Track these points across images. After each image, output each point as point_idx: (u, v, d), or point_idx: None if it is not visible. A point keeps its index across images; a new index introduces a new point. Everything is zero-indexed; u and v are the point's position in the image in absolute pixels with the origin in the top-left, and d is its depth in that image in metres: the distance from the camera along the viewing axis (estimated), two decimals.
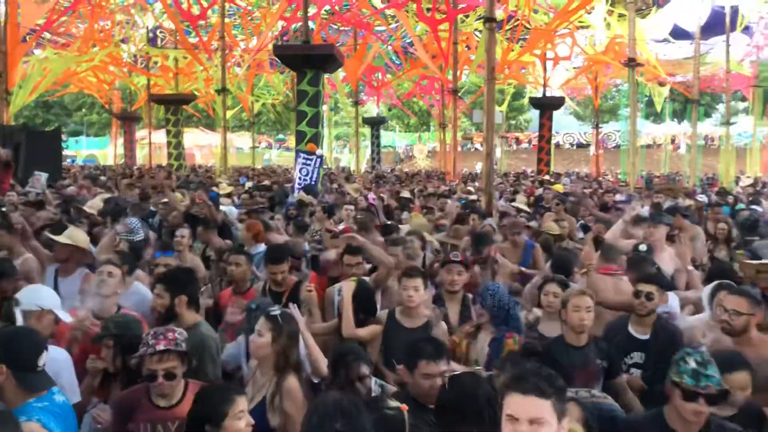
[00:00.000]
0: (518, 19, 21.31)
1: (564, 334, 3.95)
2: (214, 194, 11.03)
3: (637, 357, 4.07)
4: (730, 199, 13.12)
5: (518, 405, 2.08)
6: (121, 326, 3.59)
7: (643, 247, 5.31)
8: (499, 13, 18.92)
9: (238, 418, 2.66)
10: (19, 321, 3.48)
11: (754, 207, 10.28)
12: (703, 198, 10.49)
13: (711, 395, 2.75)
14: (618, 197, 12.28)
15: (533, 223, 8.27)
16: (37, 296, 3.62)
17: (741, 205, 11.23)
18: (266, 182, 16.88)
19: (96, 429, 3.28)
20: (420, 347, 3.21)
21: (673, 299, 4.95)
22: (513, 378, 2.22)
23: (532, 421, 2.05)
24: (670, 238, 6.51)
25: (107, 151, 53.34)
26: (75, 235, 5.26)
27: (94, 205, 8.76)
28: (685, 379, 2.77)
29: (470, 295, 4.88)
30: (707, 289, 4.58)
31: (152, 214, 9.22)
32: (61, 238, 5.16)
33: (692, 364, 2.79)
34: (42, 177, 10.81)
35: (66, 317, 3.60)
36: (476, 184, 16.40)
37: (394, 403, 2.66)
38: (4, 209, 7.65)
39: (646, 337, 4.10)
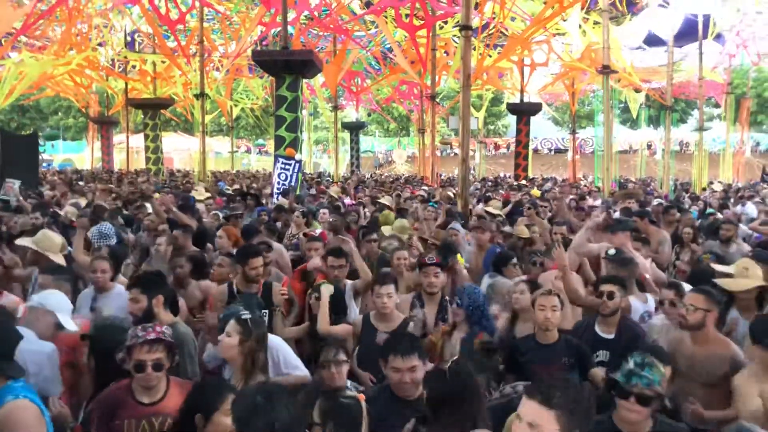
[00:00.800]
0: (495, 27, 21.53)
1: (536, 332, 4.12)
2: (193, 200, 11.12)
3: (602, 355, 4.21)
4: (700, 204, 13.44)
5: (525, 407, 2.19)
6: (99, 329, 3.66)
7: (611, 252, 5.44)
8: (476, 21, 19.13)
9: (227, 415, 2.72)
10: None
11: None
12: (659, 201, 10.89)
13: (642, 395, 2.78)
14: (593, 202, 12.49)
15: (508, 228, 8.41)
16: (44, 297, 3.84)
17: (711, 210, 11.49)
18: (236, 186, 16.84)
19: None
20: (391, 342, 3.35)
21: (651, 300, 5.12)
22: (533, 384, 2.33)
23: (531, 425, 2.14)
24: (642, 240, 6.68)
25: (84, 155, 52.83)
26: (40, 240, 5.34)
27: (70, 211, 8.78)
28: (619, 377, 2.85)
29: (447, 298, 5.04)
30: None
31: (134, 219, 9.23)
32: (25, 242, 5.23)
33: (630, 365, 2.85)
34: (15, 184, 10.74)
35: (69, 325, 3.72)
36: (456, 189, 16.54)
37: (351, 393, 2.74)
38: None
39: (611, 336, 4.25)
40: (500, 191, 16.98)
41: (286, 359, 3.91)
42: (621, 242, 5.73)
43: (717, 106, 46.24)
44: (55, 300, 3.86)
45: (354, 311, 5.33)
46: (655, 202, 11.84)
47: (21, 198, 10.34)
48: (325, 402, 2.67)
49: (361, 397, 2.73)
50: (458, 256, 6.03)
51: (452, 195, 13.79)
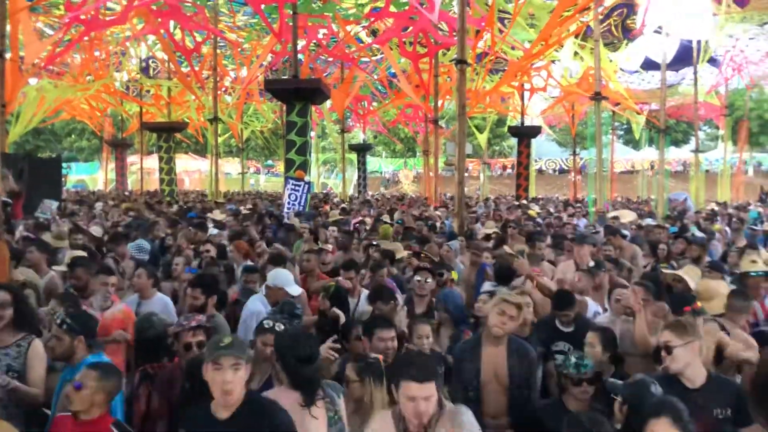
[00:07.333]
0: (492, 56, 22.40)
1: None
2: (193, 214, 12.13)
3: (561, 345, 5.06)
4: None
5: (416, 389, 2.79)
6: (142, 322, 4.59)
7: (591, 263, 6.37)
8: (473, 50, 20.04)
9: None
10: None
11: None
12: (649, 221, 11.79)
13: (590, 379, 3.84)
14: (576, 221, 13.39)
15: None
16: (274, 277, 5.37)
17: (693, 228, 12.35)
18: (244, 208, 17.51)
19: None
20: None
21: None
22: (405, 368, 2.89)
23: (426, 398, 2.82)
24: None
25: (97, 177, 54.13)
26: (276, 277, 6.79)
27: (97, 230, 9.71)
28: (571, 371, 3.86)
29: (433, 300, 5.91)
30: None
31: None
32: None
33: (573, 360, 3.90)
34: (53, 204, 11.72)
35: (295, 291, 5.33)
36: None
37: (373, 355, 3.65)
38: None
39: (570, 329, 5.11)
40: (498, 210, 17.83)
41: None
42: (584, 253, 6.62)
43: (717, 127, 47.00)
44: (282, 275, 5.34)
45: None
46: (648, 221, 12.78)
47: (57, 217, 11.29)
48: (358, 363, 3.57)
49: (381, 357, 3.61)
50: (453, 272, 6.83)
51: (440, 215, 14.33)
